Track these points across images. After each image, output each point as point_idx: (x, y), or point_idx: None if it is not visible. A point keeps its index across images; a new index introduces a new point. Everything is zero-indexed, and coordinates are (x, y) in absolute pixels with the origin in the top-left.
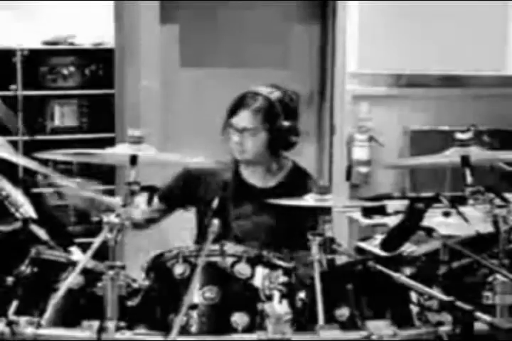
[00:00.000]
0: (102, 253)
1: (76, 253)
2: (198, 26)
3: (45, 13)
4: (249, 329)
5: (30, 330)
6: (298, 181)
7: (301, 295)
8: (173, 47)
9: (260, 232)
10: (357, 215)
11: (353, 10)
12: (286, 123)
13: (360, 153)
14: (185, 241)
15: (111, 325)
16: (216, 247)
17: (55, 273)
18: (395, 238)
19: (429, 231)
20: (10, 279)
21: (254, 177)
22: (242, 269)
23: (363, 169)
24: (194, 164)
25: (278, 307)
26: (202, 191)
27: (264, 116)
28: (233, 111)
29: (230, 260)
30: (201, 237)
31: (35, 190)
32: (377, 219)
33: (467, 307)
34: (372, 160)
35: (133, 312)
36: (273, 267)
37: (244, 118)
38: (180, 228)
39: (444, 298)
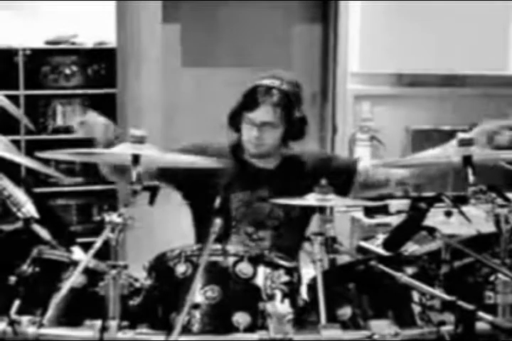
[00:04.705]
0: (104, 253)
1: (78, 253)
2: (200, 26)
3: (47, 13)
4: (250, 328)
5: (32, 330)
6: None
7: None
8: (174, 47)
9: (278, 212)
10: (359, 215)
11: (354, 10)
12: (299, 114)
13: (361, 152)
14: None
15: (113, 324)
16: (218, 247)
17: (57, 272)
18: (397, 237)
19: (431, 231)
20: (12, 278)
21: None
22: (244, 269)
23: None
24: (199, 164)
25: (280, 307)
26: (214, 179)
27: (282, 110)
28: (249, 106)
29: (231, 259)
30: (201, 237)
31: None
32: (380, 219)
33: (469, 306)
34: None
35: (135, 311)
36: (275, 266)
37: (264, 113)
38: (182, 227)
39: (446, 297)
